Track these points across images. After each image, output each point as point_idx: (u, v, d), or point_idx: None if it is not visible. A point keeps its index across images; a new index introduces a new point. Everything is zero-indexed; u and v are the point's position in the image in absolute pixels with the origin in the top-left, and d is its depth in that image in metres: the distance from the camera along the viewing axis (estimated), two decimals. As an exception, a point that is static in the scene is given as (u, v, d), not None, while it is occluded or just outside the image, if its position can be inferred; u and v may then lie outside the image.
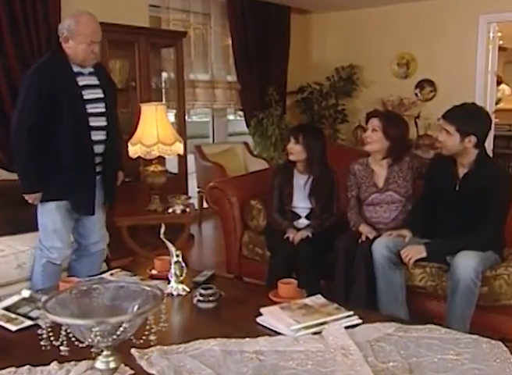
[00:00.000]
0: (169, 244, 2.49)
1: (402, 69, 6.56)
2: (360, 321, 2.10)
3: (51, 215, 2.98)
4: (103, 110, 2.95)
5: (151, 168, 3.90)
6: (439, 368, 1.77)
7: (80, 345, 1.44)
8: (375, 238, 2.99)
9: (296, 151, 3.25)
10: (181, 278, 2.48)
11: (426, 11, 6.28)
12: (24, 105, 2.79)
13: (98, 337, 1.43)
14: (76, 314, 1.57)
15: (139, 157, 3.89)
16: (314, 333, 2.01)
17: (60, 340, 1.44)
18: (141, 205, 3.98)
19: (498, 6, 5.82)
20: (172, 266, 2.47)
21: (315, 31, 7.21)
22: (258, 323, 2.12)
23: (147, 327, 1.51)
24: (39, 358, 1.79)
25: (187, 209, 3.82)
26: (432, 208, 2.99)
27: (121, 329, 1.46)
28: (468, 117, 2.75)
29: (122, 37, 4.56)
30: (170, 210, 3.85)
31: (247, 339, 1.96)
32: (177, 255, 2.47)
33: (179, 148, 3.85)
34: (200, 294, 2.31)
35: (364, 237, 3.05)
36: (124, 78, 4.78)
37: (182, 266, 2.47)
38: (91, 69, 2.95)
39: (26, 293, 2.33)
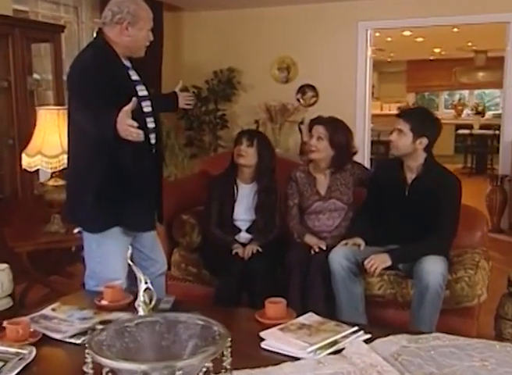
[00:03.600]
0: (135, 268, 2.31)
1: (283, 73, 6.78)
2: (369, 335, 2.13)
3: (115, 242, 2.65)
4: (151, 109, 2.67)
5: (51, 182, 3.59)
6: (475, 375, 1.87)
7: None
8: (328, 248, 3.07)
9: (248, 154, 3.23)
10: (150, 306, 2.32)
11: (306, 14, 6.56)
12: (87, 102, 2.42)
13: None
14: (123, 356, 1.41)
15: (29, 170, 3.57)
16: (330, 354, 2.01)
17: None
18: (38, 227, 3.65)
19: (375, 13, 6.31)
20: (141, 294, 2.29)
21: (187, 31, 7.16)
22: (264, 349, 2.06)
23: (224, 364, 1.40)
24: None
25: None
26: (379, 215, 3.13)
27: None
28: (423, 118, 2.99)
29: (-7, 28, 4.13)
30: (76, 230, 3.56)
31: (270, 367, 1.89)
32: (146, 282, 2.31)
33: (86, 158, 3.60)
34: (186, 323, 2.17)
35: (316, 248, 3.11)
36: (-8, 77, 4.31)
37: (151, 293, 2.32)
38: (130, 63, 2.65)
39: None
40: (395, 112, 13.57)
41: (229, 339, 1.44)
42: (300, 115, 6.63)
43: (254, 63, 6.80)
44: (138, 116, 2.53)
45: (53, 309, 2.42)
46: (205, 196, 3.37)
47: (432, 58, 14.09)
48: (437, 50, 12.75)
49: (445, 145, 11.77)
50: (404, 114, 3.02)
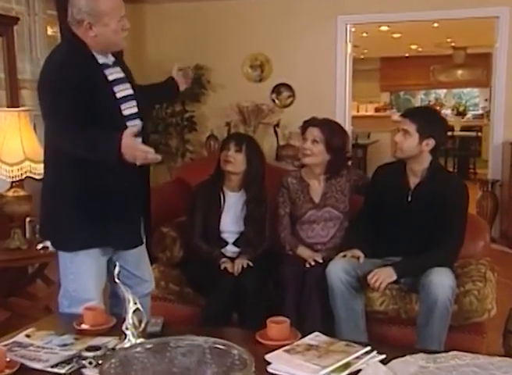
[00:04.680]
0: (123, 287, 2.26)
1: (256, 71, 6.78)
2: (384, 356, 2.13)
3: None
4: (136, 110, 2.60)
5: (11, 193, 3.50)
6: (503, 396, 1.89)
7: None
8: (324, 261, 3.07)
9: (237, 160, 3.22)
10: (140, 329, 2.27)
11: (281, 7, 6.58)
12: (57, 109, 2.39)
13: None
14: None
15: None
16: (345, 377, 2.01)
17: None
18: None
19: (355, 7, 6.37)
20: (129, 316, 2.25)
21: (150, 24, 7.10)
22: (272, 373, 2.04)
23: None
24: None
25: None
26: (378, 223, 3.15)
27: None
28: (430, 118, 3.05)
29: None
30: (40, 246, 3.49)
31: (283, 395, 1.88)
32: (135, 302, 2.26)
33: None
34: (183, 348, 2.14)
35: (311, 262, 3.10)
36: None
37: (141, 315, 2.27)
38: (113, 58, 2.58)
39: None
40: (372, 113, 13.77)
41: (253, 364, 1.42)
42: (275, 116, 6.64)
43: (224, 60, 6.78)
44: (116, 121, 2.52)
45: (27, 335, 2.35)
46: (186, 206, 3.34)
47: (407, 55, 14.32)
48: (414, 46, 12.98)
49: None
50: (410, 113, 3.06)
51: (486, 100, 14.97)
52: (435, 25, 9.10)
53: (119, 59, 2.65)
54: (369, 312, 3.02)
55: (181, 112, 6.71)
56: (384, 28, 9.50)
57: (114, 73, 2.59)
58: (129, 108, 2.59)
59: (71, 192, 2.51)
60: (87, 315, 2.44)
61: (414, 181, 3.07)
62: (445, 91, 16.12)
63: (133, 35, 6.92)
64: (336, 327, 2.96)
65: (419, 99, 16.36)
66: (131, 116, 2.59)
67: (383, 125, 10.64)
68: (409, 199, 3.06)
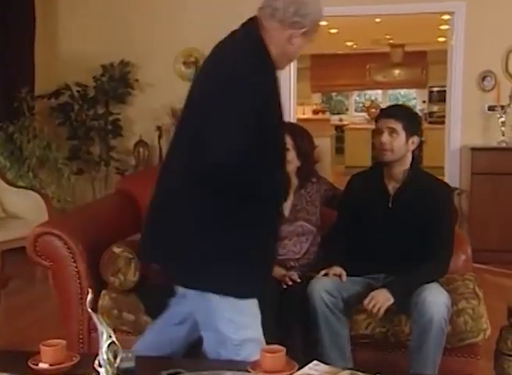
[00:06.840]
0: (95, 318, 2.19)
1: (190, 69, 6.69)
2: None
3: None
4: None
5: None
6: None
7: None
8: (302, 280, 3.08)
9: None
10: (116, 365, 2.20)
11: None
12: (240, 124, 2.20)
13: None
14: None
15: None
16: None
17: None
18: None
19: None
20: (103, 351, 2.18)
21: (63, 15, 6.91)
22: (276, 410, 2.02)
23: None
24: None
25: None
26: (356, 237, 3.20)
27: None
28: (412, 115, 3.21)
29: None
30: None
31: None
32: (110, 335, 2.19)
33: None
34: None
35: (288, 281, 3.10)
36: None
37: (116, 349, 2.20)
38: None
39: None
40: (310, 116, 13.98)
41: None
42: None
43: (153, 56, 6.71)
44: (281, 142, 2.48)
45: (-24, 376, 2.24)
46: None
47: (340, 52, 14.61)
48: (349, 43, 13.28)
49: (359, 155, 11.93)
50: (393, 112, 3.18)
51: (424, 102, 15.56)
52: (377, 20, 9.33)
53: None
54: (353, 337, 3.02)
55: (104, 114, 6.60)
56: (322, 23, 9.65)
57: None
58: None
59: (254, 215, 2.30)
60: (45, 352, 2.34)
61: (393, 186, 3.16)
62: (380, 92, 16.58)
63: (43, 29, 6.72)
64: (320, 354, 2.94)
65: (353, 101, 16.75)
66: None
67: (322, 129, 10.79)
68: (389, 206, 3.13)
